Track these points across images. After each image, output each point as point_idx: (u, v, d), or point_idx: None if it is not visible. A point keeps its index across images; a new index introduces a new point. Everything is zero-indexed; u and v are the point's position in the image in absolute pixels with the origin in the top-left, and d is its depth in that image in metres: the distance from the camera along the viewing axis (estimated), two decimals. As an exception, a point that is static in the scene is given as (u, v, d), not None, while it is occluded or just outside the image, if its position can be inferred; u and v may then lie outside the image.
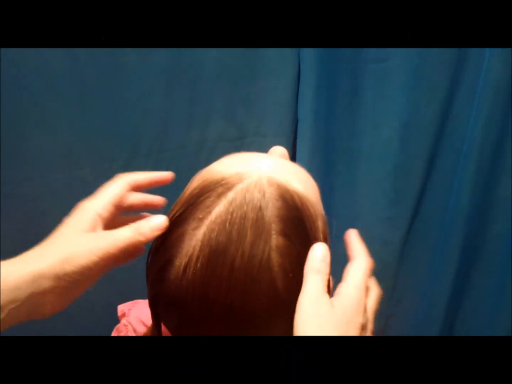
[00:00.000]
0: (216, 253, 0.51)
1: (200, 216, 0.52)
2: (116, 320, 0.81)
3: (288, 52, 1.09)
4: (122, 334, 0.76)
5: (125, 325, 0.77)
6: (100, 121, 1.10)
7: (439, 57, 1.02)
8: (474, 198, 1.04)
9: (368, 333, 0.56)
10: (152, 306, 0.58)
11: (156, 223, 0.53)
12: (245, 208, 0.53)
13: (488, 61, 0.98)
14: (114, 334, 0.78)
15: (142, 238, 0.53)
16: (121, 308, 0.80)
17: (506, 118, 1.01)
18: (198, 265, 0.51)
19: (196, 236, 0.52)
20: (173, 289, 0.52)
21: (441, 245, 1.09)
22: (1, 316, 0.47)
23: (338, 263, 0.56)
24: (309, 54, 1.06)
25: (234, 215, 0.52)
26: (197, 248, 0.51)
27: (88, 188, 1.12)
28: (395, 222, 1.10)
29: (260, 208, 0.53)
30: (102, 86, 1.09)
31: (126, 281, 1.16)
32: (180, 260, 0.52)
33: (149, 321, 0.74)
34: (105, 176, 0.63)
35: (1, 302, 0.47)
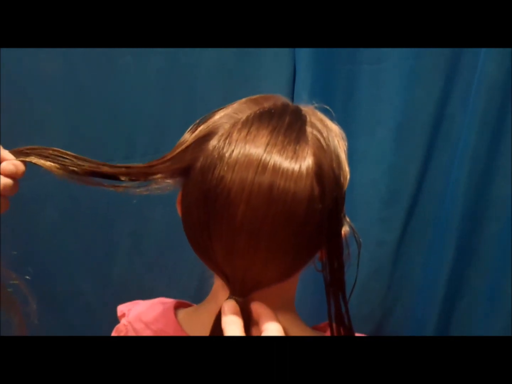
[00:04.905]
0: (258, 127, 0.59)
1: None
2: (115, 321, 0.81)
3: (283, 54, 1.09)
4: (122, 334, 0.76)
5: (125, 325, 0.77)
6: (96, 122, 1.11)
7: (434, 58, 1.03)
8: (469, 199, 1.04)
9: None
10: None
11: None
12: (288, 107, 0.64)
13: (483, 61, 0.98)
14: (114, 334, 0.78)
15: None
16: (121, 308, 0.80)
17: (501, 118, 1.01)
18: (241, 134, 0.59)
19: (244, 114, 0.61)
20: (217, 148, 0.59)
21: (436, 245, 1.10)
22: None
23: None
24: (304, 56, 1.06)
25: (277, 107, 0.63)
26: (243, 120, 0.60)
27: (84, 189, 1.12)
28: (390, 222, 1.10)
29: (300, 109, 0.65)
30: (98, 87, 1.09)
31: (123, 282, 1.17)
32: (224, 130, 0.60)
33: (148, 319, 0.75)
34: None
35: None
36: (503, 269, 1.04)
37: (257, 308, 0.63)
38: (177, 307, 0.77)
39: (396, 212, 1.11)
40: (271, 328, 0.60)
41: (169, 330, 0.72)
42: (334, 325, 0.67)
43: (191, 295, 0.83)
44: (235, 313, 0.61)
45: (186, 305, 0.79)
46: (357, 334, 0.69)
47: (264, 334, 0.59)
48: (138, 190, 0.63)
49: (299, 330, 0.71)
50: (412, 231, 1.12)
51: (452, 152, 1.07)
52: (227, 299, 0.63)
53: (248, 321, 0.63)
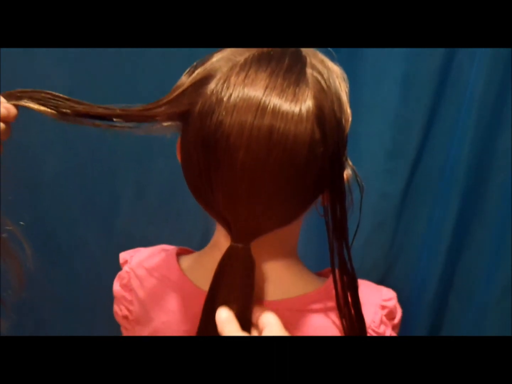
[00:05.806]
0: (257, 69, 0.58)
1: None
2: (118, 270, 0.81)
3: None
4: (125, 281, 0.77)
5: (127, 271, 0.78)
6: (97, 72, 1.09)
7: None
8: (474, 150, 1.03)
9: None
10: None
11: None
12: (288, 48, 0.62)
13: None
14: (116, 281, 0.79)
15: None
16: (123, 255, 0.81)
17: (507, 70, 0.99)
18: (241, 75, 0.58)
19: (242, 57, 0.60)
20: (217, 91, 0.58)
21: (441, 197, 1.09)
22: None
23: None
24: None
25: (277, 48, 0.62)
26: (241, 63, 0.59)
27: (84, 136, 1.12)
28: (395, 174, 1.09)
29: (300, 50, 0.63)
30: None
31: (126, 232, 1.17)
32: (221, 73, 0.59)
33: (150, 265, 0.75)
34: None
35: None
36: (507, 221, 1.03)
37: (255, 311, 0.63)
38: (179, 253, 0.77)
39: (401, 164, 1.09)
40: (270, 321, 0.61)
41: (172, 276, 0.73)
42: (337, 271, 0.67)
43: (194, 247, 0.83)
44: (229, 315, 0.61)
45: (187, 252, 0.79)
46: (359, 280, 0.69)
47: (265, 331, 0.60)
48: (137, 131, 0.62)
49: (301, 276, 0.71)
50: (417, 183, 1.11)
51: (458, 103, 1.06)
52: (229, 247, 0.63)
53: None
